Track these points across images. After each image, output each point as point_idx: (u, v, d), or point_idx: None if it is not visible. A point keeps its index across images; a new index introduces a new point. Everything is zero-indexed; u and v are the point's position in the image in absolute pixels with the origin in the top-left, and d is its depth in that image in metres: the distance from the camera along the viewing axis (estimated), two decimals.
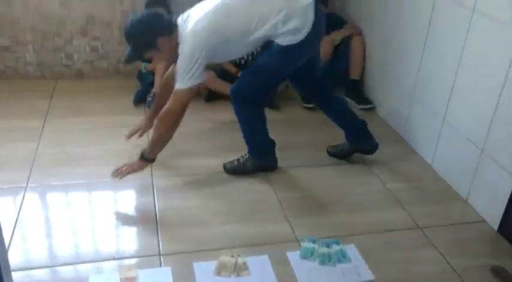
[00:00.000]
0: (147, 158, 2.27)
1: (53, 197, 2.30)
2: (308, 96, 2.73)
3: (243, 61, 3.23)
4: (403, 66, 2.92)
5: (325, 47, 3.33)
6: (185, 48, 2.08)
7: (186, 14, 2.19)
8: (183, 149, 2.70)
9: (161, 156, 2.44)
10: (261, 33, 2.14)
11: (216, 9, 2.12)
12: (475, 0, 2.26)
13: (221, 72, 3.26)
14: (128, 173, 2.24)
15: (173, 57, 2.15)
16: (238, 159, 2.51)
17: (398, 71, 2.99)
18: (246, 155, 2.50)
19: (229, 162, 2.52)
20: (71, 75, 3.51)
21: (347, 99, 3.35)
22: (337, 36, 3.36)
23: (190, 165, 2.57)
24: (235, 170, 2.50)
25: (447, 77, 2.49)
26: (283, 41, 2.14)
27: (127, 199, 2.32)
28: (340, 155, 2.66)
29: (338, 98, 2.60)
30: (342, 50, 3.37)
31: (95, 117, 2.99)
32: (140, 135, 2.57)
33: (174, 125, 2.19)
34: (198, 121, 2.98)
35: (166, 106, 2.18)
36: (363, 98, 3.34)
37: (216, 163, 2.56)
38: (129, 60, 2.22)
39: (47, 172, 2.43)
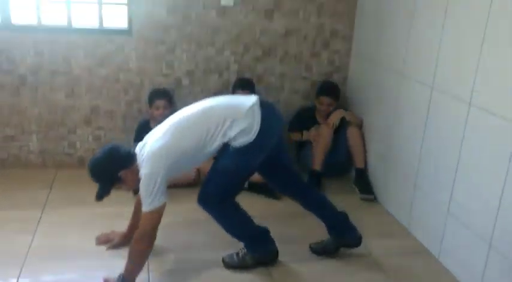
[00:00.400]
0: None
1: None
2: (284, 191, 2.70)
3: None
4: (404, 157, 2.93)
5: (325, 131, 3.37)
6: (144, 172, 2.15)
7: (143, 141, 2.30)
8: (181, 241, 2.63)
9: (158, 248, 2.37)
10: (214, 145, 2.22)
11: (168, 132, 2.23)
12: (470, 94, 2.32)
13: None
14: None
15: (137, 184, 2.20)
16: (237, 253, 2.43)
17: (398, 162, 2.99)
18: (243, 248, 2.42)
19: (228, 256, 2.44)
20: (73, 163, 3.52)
21: (354, 187, 3.33)
22: (334, 117, 3.40)
23: (188, 259, 2.48)
24: (235, 266, 2.41)
25: (448, 168, 2.48)
26: (236, 143, 2.21)
27: None
28: (323, 251, 2.56)
29: (315, 190, 2.59)
30: (340, 140, 3.40)
31: (93, 208, 2.91)
32: (109, 248, 2.52)
33: (147, 248, 2.19)
34: (196, 210, 2.91)
35: (137, 231, 2.20)
36: (367, 187, 3.30)
37: (214, 256, 2.47)
38: (100, 197, 2.29)
39: (40, 266, 2.35)
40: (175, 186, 3.12)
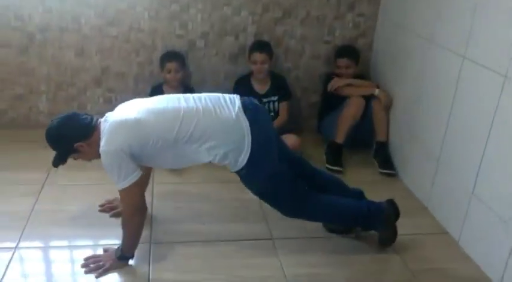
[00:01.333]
0: (125, 258, 2.09)
1: (41, 260, 2.15)
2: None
3: None
4: (428, 130, 2.72)
5: (357, 102, 3.13)
6: (102, 150, 1.96)
7: (111, 112, 2.11)
8: (185, 212, 2.52)
9: (164, 219, 2.30)
10: (200, 156, 2.03)
11: (137, 109, 2.03)
12: (507, 65, 2.08)
13: None
14: (104, 272, 2.05)
15: (96, 157, 2.06)
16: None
17: (422, 135, 2.79)
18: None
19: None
20: None
21: (374, 160, 3.15)
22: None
23: (195, 230, 2.38)
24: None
25: (476, 145, 2.27)
26: (238, 166, 2.04)
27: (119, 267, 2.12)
28: (335, 228, 2.41)
29: (326, 173, 2.51)
30: (366, 114, 3.17)
31: (99, 171, 2.83)
32: (112, 215, 2.43)
33: (140, 221, 2.07)
34: (201, 179, 2.81)
35: (122, 211, 2.10)
36: (386, 162, 3.11)
37: (222, 229, 2.38)
38: (56, 164, 2.14)
39: (40, 232, 2.30)
40: None
